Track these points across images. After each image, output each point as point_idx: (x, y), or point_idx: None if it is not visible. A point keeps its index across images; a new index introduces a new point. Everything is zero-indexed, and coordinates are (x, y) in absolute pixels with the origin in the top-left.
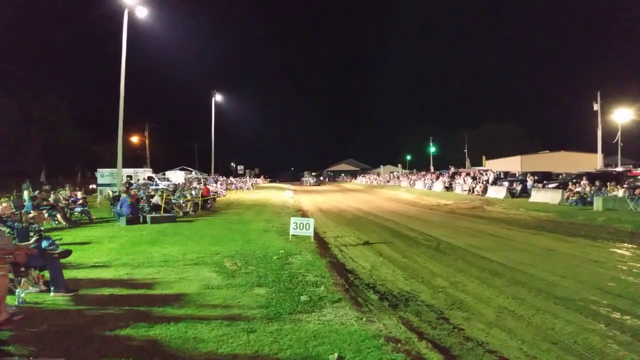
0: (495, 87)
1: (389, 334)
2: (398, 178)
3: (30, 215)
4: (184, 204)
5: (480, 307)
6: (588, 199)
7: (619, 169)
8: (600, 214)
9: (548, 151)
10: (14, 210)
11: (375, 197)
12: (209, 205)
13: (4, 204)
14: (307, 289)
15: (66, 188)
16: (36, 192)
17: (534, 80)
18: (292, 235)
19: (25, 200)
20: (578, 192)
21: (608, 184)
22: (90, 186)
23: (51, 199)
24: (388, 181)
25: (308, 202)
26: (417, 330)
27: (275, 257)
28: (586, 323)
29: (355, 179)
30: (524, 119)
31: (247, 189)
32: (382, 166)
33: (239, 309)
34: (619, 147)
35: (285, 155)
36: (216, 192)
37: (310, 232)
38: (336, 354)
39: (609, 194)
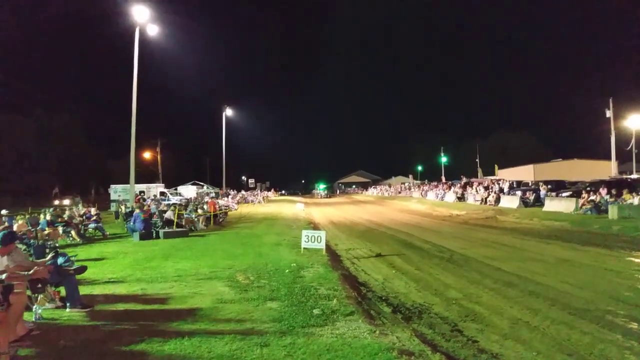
0: (507, 96)
1: (402, 346)
2: (409, 189)
3: (46, 232)
4: (196, 219)
5: (494, 319)
6: (602, 207)
7: (634, 176)
8: (615, 222)
9: (561, 159)
10: (29, 227)
11: (387, 209)
12: (220, 220)
13: (20, 222)
14: (319, 302)
15: (79, 205)
16: (51, 209)
17: (545, 88)
18: (304, 248)
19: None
20: (592, 201)
21: (623, 191)
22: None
23: (66, 215)
24: (399, 192)
25: (319, 215)
26: (431, 343)
27: (287, 271)
28: (602, 334)
29: (366, 190)
30: (536, 127)
31: (259, 202)
32: (393, 177)
33: (252, 323)
34: (634, 154)
35: (296, 168)
36: (227, 206)
37: (322, 245)
38: None
39: (624, 202)
